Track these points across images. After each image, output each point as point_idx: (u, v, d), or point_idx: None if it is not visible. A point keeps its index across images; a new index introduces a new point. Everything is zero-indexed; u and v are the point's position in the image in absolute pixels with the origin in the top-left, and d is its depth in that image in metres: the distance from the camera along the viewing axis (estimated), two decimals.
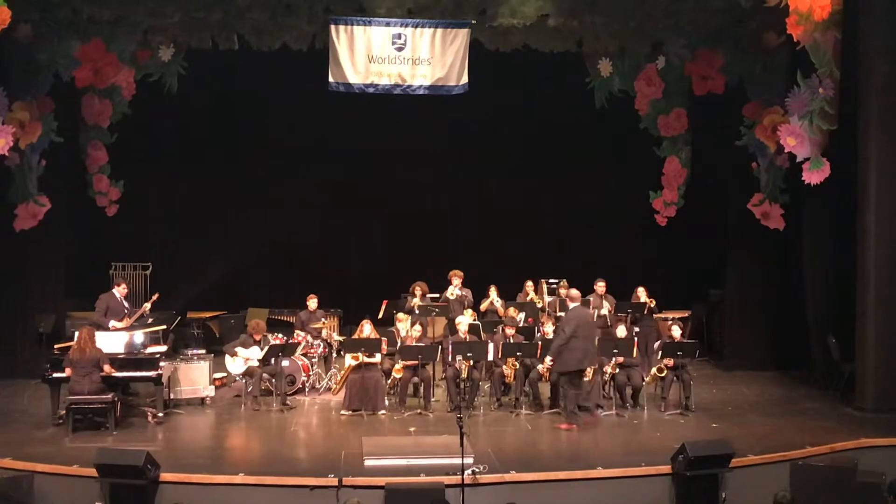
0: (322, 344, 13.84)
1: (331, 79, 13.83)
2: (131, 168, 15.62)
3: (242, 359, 12.71)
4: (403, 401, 12.46)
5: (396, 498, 9.18)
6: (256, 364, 12.65)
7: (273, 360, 12.60)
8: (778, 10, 12.67)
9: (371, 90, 13.99)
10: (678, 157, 15.75)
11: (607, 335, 13.00)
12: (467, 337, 12.62)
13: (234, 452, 11.02)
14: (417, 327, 12.84)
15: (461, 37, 13.86)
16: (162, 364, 11.91)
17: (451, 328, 13.31)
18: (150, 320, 13.10)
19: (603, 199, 17.14)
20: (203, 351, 13.53)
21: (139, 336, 12.39)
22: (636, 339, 12.86)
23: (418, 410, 12.31)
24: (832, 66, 12.56)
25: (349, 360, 12.57)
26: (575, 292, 12.27)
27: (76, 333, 11.69)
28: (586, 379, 12.22)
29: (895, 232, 12.27)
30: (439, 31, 13.83)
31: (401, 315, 13.53)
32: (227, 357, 12.89)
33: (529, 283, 14.53)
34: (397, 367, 12.45)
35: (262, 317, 14.75)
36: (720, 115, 15.12)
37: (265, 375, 12.72)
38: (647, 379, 12.73)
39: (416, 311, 13.64)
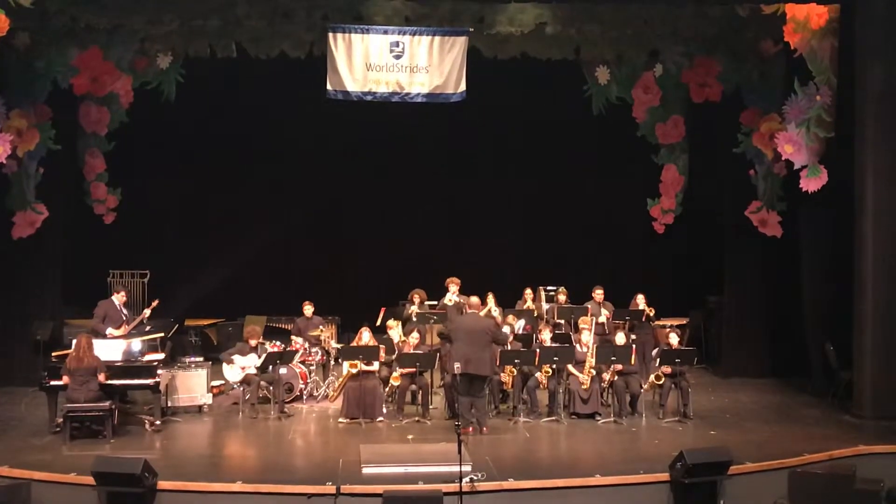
0: (320, 351, 13.83)
1: (329, 86, 13.83)
2: (129, 176, 15.65)
3: (240, 366, 12.69)
4: (401, 408, 12.45)
5: None
6: (254, 372, 12.63)
7: (271, 368, 12.59)
8: (775, 19, 12.72)
9: (369, 98, 14.00)
10: (676, 165, 15.80)
11: (605, 342, 13.01)
12: None
13: (231, 460, 11.01)
14: (415, 335, 12.85)
15: (459, 44, 13.87)
16: (160, 372, 11.88)
17: None
18: (147, 328, 13.08)
19: (601, 206, 17.13)
20: (201, 358, 13.52)
21: (137, 344, 12.37)
22: (634, 346, 12.86)
23: (416, 418, 12.30)
24: (829, 74, 12.60)
25: (347, 368, 12.57)
26: (473, 300, 12.31)
27: (74, 341, 11.68)
28: (584, 387, 12.23)
29: (893, 239, 12.28)
30: (437, 38, 13.84)
31: (391, 322, 13.49)
32: (225, 365, 12.87)
33: (528, 291, 14.52)
34: (395, 374, 12.44)
35: (259, 324, 14.71)
36: (717, 123, 15.16)
37: (263, 383, 12.69)
38: (645, 386, 12.72)
39: (414, 319, 13.63)
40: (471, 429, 11.45)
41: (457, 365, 11.44)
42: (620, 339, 12.80)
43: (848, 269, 12.76)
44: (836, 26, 12.49)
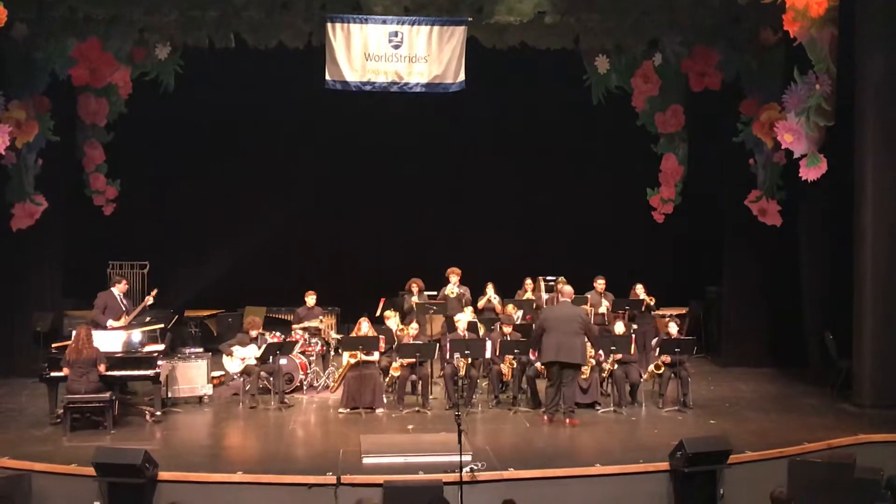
0: (320, 342, 13.84)
1: (327, 77, 13.84)
2: (128, 167, 15.66)
3: (240, 357, 12.71)
4: (401, 398, 12.46)
5: (395, 496, 9.18)
6: (254, 362, 12.64)
7: (271, 359, 12.60)
8: (774, 7, 12.67)
9: (368, 88, 14.02)
10: (675, 154, 15.80)
11: (605, 332, 13.02)
12: (465, 334, 12.63)
13: (232, 451, 11.02)
14: (414, 325, 12.86)
15: (458, 34, 13.86)
16: (160, 363, 11.89)
17: (450, 326, 13.32)
18: (147, 319, 13.09)
19: (600, 195, 17.12)
20: (201, 349, 13.53)
21: (137, 335, 12.37)
22: (634, 335, 12.86)
23: (416, 408, 12.32)
24: (829, 63, 12.56)
25: (347, 358, 12.58)
26: (567, 288, 12.37)
27: (73, 332, 11.68)
28: (583, 377, 12.24)
29: (892, 228, 12.28)
30: (436, 28, 13.83)
31: (388, 312, 13.52)
32: (225, 356, 12.88)
33: (529, 281, 14.54)
34: (395, 364, 12.45)
35: (259, 315, 14.74)
36: (717, 112, 15.15)
37: (263, 374, 12.71)
38: (644, 376, 12.73)
39: (414, 309, 13.65)
40: (546, 418, 11.63)
41: (531, 358, 11.71)
42: (620, 328, 12.82)
43: (847, 258, 12.76)
44: (836, 15, 12.43)
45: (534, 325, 12.31)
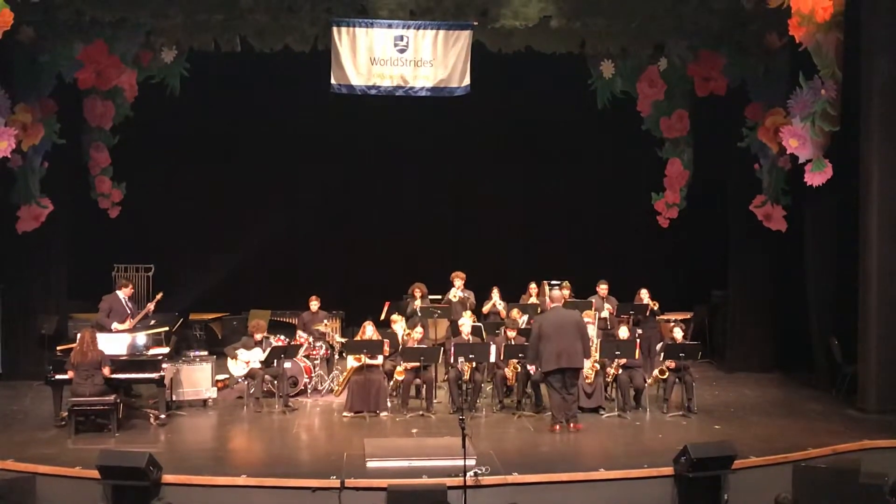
0: (324, 346, 13.85)
1: (333, 80, 13.86)
2: (133, 170, 15.67)
3: (244, 361, 12.72)
4: (405, 402, 12.46)
5: (398, 500, 9.18)
6: (258, 366, 12.65)
7: (275, 362, 12.61)
8: (780, 12, 12.68)
9: (373, 92, 14.03)
10: (680, 159, 15.79)
11: (609, 337, 13.00)
12: (470, 339, 12.62)
13: (236, 454, 11.02)
14: (419, 329, 12.86)
15: (463, 38, 13.88)
16: (164, 366, 11.91)
17: (454, 330, 13.31)
18: (152, 322, 13.10)
19: (605, 200, 17.13)
20: (205, 352, 13.53)
21: (141, 338, 12.39)
22: (638, 340, 12.85)
23: (420, 412, 12.31)
24: (834, 68, 12.55)
25: (351, 362, 12.58)
26: (556, 294, 12.33)
27: (78, 335, 11.70)
28: (588, 381, 12.23)
29: None
30: (441, 32, 13.86)
31: (395, 317, 13.53)
32: (230, 359, 12.89)
33: (533, 286, 14.52)
34: (399, 368, 12.46)
35: (263, 318, 14.75)
36: (722, 117, 15.14)
37: (267, 377, 12.73)
38: (649, 381, 12.72)
39: (419, 314, 13.65)
40: (557, 427, 11.51)
41: (531, 368, 11.72)
42: (624, 333, 12.80)
43: (852, 263, 12.74)
44: (842, 19, 12.43)
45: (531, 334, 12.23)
